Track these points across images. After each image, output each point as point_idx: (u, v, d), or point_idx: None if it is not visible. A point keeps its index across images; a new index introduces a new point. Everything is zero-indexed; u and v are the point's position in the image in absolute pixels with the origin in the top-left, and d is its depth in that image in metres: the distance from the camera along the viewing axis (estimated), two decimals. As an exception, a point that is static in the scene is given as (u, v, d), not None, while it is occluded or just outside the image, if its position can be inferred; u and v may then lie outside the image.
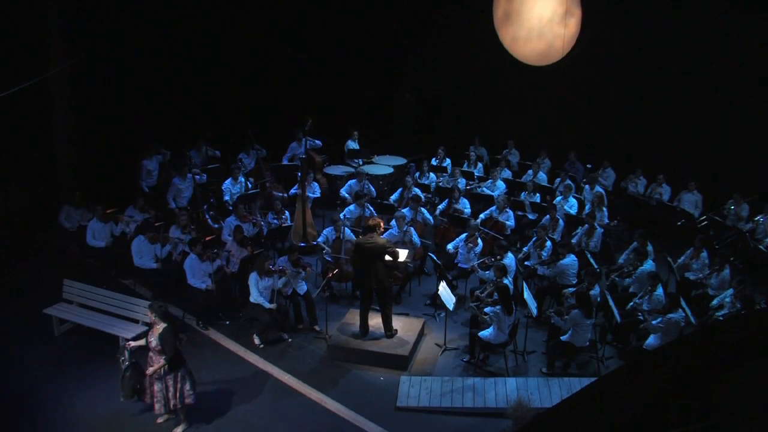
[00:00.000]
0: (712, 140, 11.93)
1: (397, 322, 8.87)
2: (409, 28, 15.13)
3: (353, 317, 8.88)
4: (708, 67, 11.93)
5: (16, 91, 9.17)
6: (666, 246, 10.53)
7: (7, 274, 10.03)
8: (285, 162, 12.69)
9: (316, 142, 12.99)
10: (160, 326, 6.58)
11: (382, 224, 8.61)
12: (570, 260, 9.18)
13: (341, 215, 10.24)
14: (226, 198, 11.24)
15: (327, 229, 9.93)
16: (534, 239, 9.94)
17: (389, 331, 8.56)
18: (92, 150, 11.68)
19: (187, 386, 6.79)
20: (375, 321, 8.68)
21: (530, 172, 12.67)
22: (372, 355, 8.31)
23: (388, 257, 8.34)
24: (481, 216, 10.91)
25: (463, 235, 9.84)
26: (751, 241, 10.28)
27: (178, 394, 6.74)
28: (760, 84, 11.44)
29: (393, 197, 11.72)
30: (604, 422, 2.54)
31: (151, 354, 6.65)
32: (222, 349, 8.63)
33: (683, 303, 7.98)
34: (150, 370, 6.69)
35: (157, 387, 6.71)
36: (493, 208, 10.95)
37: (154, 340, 6.57)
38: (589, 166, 13.00)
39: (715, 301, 8.61)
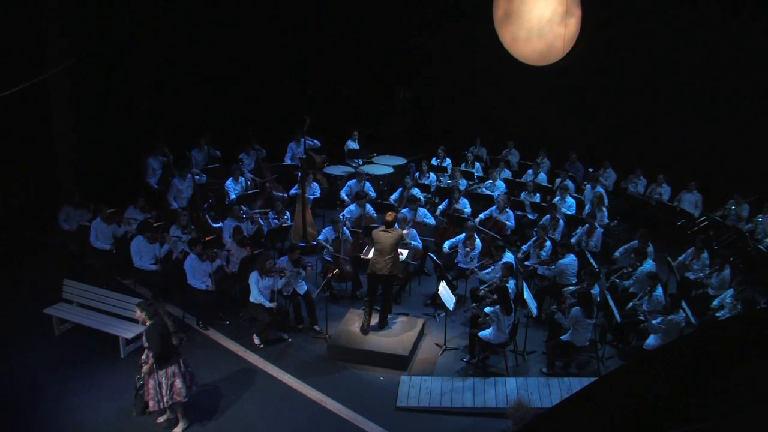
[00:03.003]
0: (712, 140, 11.91)
1: (397, 322, 8.88)
2: (409, 27, 15.12)
3: (353, 317, 8.89)
4: (708, 66, 11.91)
5: (16, 91, 9.16)
6: (666, 246, 10.53)
7: (7, 274, 10.02)
8: (288, 161, 12.66)
9: (315, 141, 12.97)
10: (148, 324, 6.65)
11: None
12: (569, 260, 9.18)
13: (341, 215, 10.24)
14: (233, 197, 11.22)
15: (326, 228, 9.93)
16: (534, 239, 9.94)
17: (383, 323, 8.71)
18: (92, 150, 11.66)
19: (179, 383, 6.78)
20: (375, 321, 8.70)
21: (530, 172, 12.67)
22: (372, 355, 8.31)
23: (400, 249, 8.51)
24: (481, 216, 10.91)
25: (462, 235, 9.84)
26: (751, 241, 10.28)
27: (169, 391, 6.76)
28: (761, 84, 11.43)
29: (393, 197, 11.72)
30: (604, 422, 2.54)
31: (147, 352, 6.72)
32: (222, 349, 8.63)
33: (683, 303, 7.98)
34: (144, 368, 6.76)
35: (151, 384, 6.76)
36: (493, 208, 10.95)
37: (144, 339, 6.66)
38: (591, 170, 12.97)
39: (715, 302, 8.60)
